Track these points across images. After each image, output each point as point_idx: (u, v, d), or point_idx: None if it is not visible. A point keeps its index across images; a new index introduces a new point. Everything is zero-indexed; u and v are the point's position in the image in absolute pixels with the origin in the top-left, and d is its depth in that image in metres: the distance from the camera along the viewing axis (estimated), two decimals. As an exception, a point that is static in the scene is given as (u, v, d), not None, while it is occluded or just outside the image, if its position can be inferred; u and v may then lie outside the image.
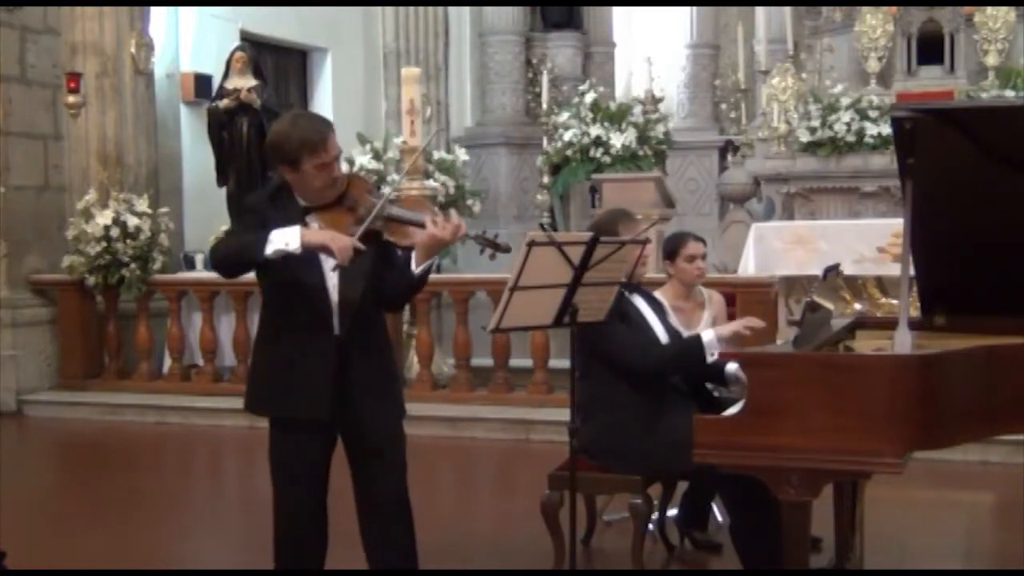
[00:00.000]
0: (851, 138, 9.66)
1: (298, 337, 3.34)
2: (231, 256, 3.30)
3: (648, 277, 6.53)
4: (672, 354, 4.07)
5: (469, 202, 9.48)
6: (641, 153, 9.71)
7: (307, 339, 3.33)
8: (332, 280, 3.32)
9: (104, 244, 8.09)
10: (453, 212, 3.39)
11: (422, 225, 3.27)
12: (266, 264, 3.22)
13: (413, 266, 3.30)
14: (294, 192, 3.34)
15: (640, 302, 4.21)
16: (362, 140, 9.35)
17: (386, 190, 3.37)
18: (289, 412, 3.37)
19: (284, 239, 3.16)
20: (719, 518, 4.73)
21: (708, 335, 3.98)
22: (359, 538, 3.52)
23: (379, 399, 3.43)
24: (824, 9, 11.23)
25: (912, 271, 3.40)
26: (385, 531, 3.48)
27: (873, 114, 9.61)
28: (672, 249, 4.73)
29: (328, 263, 3.26)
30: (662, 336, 4.18)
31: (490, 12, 13.05)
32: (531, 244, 3.23)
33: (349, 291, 3.33)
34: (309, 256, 3.23)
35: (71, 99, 8.06)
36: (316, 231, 3.21)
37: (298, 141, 3.25)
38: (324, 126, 3.32)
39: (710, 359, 3.91)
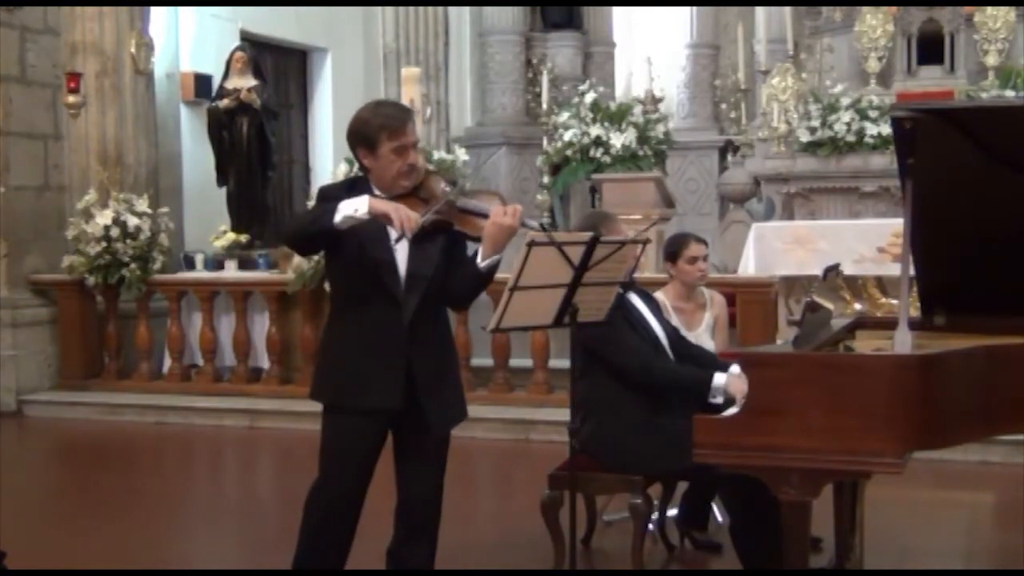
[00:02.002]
0: (851, 138, 9.66)
1: (368, 325, 3.36)
2: (304, 228, 3.36)
3: (649, 277, 6.57)
4: (676, 378, 4.04)
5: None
6: (641, 153, 9.71)
7: (378, 327, 3.35)
8: (403, 268, 3.35)
9: (104, 244, 8.08)
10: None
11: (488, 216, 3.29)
12: (338, 237, 3.25)
13: (479, 260, 3.30)
14: (371, 183, 3.38)
15: (637, 300, 4.21)
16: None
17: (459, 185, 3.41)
18: (360, 401, 3.37)
19: (353, 206, 3.20)
20: (719, 518, 4.73)
21: (720, 379, 3.88)
22: (372, 533, 3.55)
23: (439, 395, 3.44)
24: (824, 9, 11.23)
25: (912, 271, 3.40)
26: (411, 531, 3.52)
27: (873, 114, 9.61)
28: (674, 250, 4.73)
29: (400, 247, 3.30)
30: (660, 334, 4.19)
31: (490, 12, 13.06)
32: (531, 244, 3.23)
33: (417, 281, 3.36)
34: (380, 236, 3.28)
35: (71, 99, 8.06)
36: (384, 200, 3.24)
37: (378, 124, 3.32)
38: (405, 112, 3.41)
39: (711, 400, 3.86)
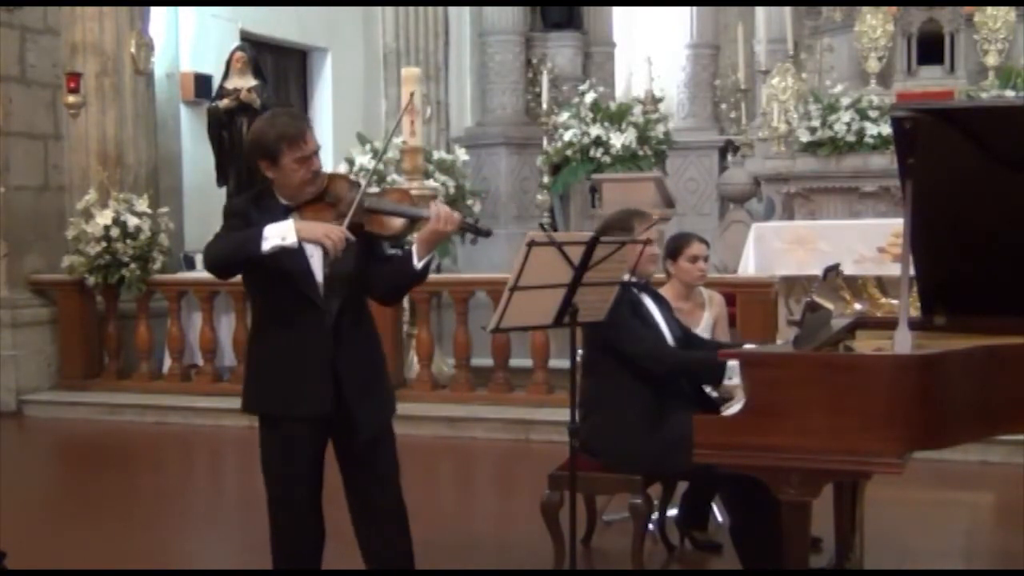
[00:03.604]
0: (851, 138, 9.65)
1: (291, 333, 3.36)
2: (228, 256, 3.31)
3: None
4: (689, 361, 4.04)
5: (469, 202, 9.48)
6: (641, 153, 9.70)
7: (301, 334, 3.35)
8: (319, 274, 3.34)
9: (104, 244, 8.08)
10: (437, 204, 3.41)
11: (409, 216, 3.31)
12: (261, 260, 3.24)
13: (415, 260, 3.32)
14: (276, 192, 3.37)
15: (648, 301, 4.20)
16: (362, 140, 9.35)
17: (363, 183, 3.37)
18: (291, 409, 3.37)
19: (280, 234, 3.19)
20: (719, 518, 4.73)
21: (736, 362, 3.85)
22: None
23: (368, 396, 3.43)
24: (824, 9, 11.24)
25: (912, 271, 3.40)
26: (381, 532, 3.49)
27: (873, 114, 9.60)
28: (675, 249, 4.72)
29: (315, 259, 3.30)
30: (666, 334, 4.18)
31: (490, 12, 13.06)
32: (531, 244, 3.23)
33: (337, 284, 3.35)
34: (293, 249, 3.25)
35: (71, 99, 8.06)
36: (309, 224, 3.24)
37: (276, 135, 3.30)
38: (301, 121, 3.39)
39: (727, 382, 3.86)
